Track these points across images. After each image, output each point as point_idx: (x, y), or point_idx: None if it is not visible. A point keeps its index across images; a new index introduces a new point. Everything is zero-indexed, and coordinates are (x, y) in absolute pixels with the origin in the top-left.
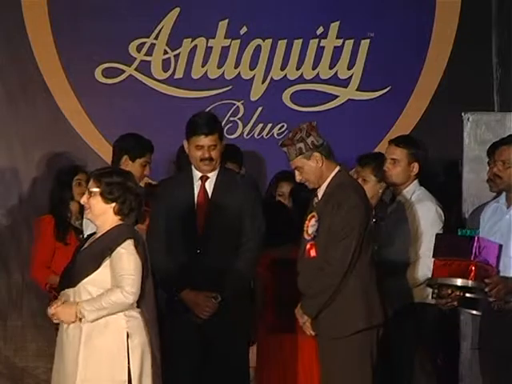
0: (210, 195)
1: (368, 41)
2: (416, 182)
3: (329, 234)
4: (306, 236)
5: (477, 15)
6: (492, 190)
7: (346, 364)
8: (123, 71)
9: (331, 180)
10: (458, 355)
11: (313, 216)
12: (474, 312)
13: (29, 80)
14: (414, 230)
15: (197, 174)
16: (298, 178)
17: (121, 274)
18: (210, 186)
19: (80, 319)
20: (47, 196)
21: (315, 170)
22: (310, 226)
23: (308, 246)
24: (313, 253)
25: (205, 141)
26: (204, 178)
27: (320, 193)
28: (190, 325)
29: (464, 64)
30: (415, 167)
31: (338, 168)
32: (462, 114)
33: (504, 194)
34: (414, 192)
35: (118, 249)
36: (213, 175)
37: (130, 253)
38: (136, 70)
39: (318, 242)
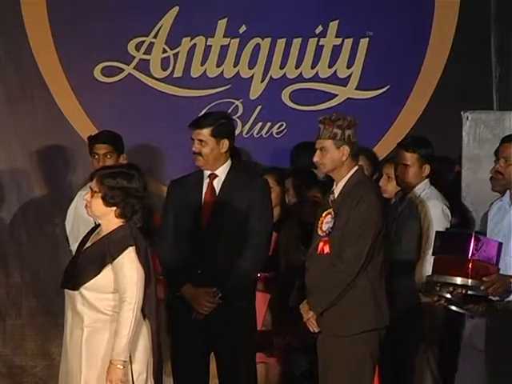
0: (217, 193)
1: (367, 40)
2: (426, 180)
3: (345, 230)
4: (319, 232)
5: (476, 14)
6: (494, 188)
7: (347, 363)
8: (122, 70)
9: (349, 178)
10: (457, 355)
11: (329, 213)
12: (461, 311)
13: (28, 79)
14: (420, 229)
15: (206, 173)
16: (316, 157)
17: (123, 283)
18: (218, 184)
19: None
20: (46, 195)
21: (336, 160)
22: (325, 222)
23: (321, 243)
24: (326, 249)
25: (193, 135)
26: (212, 176)
27: (337, 190)
28: (192, 324)
29: (463, 63)
30: (427, 169)
31: (356, 167)
32: (461, 112)
33: (508, 192)
34: (423, 190)
35: (120, 258)
36: (221, 173)
37: (131, 261)
38: (135, 68)
39: (333, 238)
